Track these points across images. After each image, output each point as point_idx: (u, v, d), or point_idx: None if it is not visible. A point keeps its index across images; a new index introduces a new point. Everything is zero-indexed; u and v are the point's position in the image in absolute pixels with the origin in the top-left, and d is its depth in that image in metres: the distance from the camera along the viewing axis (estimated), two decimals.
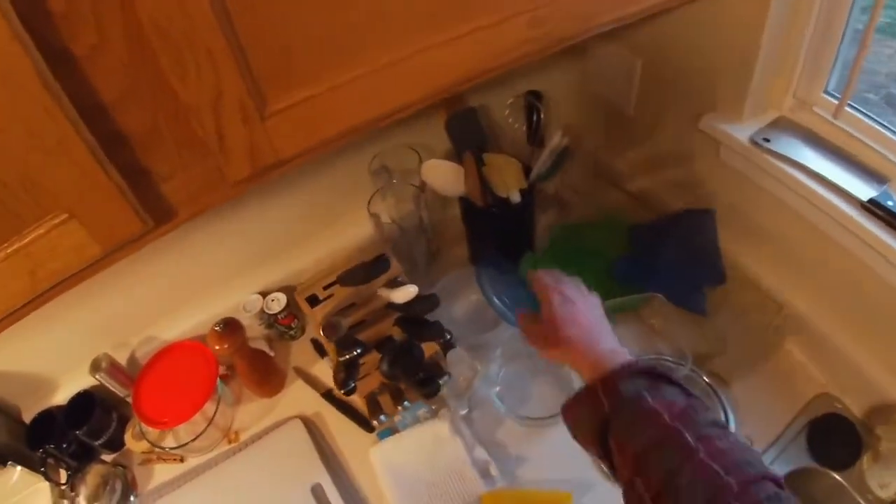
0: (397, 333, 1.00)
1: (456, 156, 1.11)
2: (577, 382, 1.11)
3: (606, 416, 0.68)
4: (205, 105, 0.58)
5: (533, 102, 1.14)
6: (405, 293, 0.92)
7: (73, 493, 1.14)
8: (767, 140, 0.98)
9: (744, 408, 1.05)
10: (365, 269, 0.94)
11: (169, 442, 1.18)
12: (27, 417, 1.20)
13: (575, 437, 0.75)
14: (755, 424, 1.03)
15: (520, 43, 0.73)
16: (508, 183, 1.10)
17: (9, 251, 0.59)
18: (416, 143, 1.16)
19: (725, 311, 1.15)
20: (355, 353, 0.91)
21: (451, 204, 1.25)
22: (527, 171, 1.12)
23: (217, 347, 1.06)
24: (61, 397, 1.20)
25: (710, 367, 1.10)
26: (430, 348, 1.03)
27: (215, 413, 1.12)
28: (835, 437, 1.01)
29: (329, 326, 0.92)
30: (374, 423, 0.97)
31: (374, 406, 1.01)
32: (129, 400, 1.18)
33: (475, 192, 1.07)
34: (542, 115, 1.15)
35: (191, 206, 0.70)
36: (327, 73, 0.64)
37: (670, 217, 1.20)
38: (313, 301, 1.00)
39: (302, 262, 1.22)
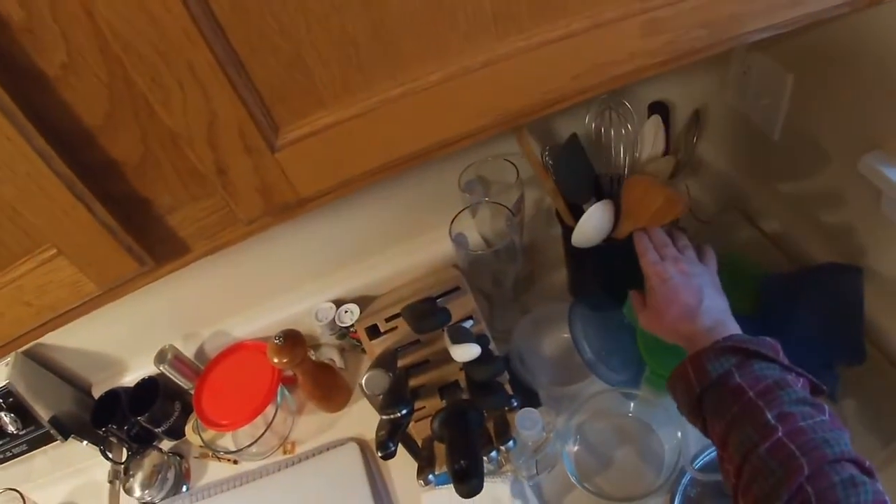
0: (464, 380, 0.88)
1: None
2: (668, 456, 0.95)
3: (699, 395, 0.67)
4: (196, 133, 0.48)
5: (662, 112, 0.96)
6: (464, 352, 0.79)
7: (128, 475, 1.15)
8: None
9: None
10: (422, 317, 0.82)
11: (226, 441, 1.15)
12: (96, 392, 1.22)
13: (679, 410, 0.73)
14: None
15: (629, 56, 0.56)
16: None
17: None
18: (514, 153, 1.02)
19: (858, 396, 0.93)
20: (399, 413, 0.80)
21: (554, 223, 1.10)
22: None
23: (276, 360, 1.00)
24: (131, 378, 1.21)
25: None
26: None
27: (273, 419, 1.08)
28: None
29: (370, 380, 0.81)
30: (421, 481, 0.86)
31: (428, 456, 0.90)
32: (193, 393, 1.15)
33: (642, 215, 0.90)
34: (668, 132, 0.96)
35: (205, 241, 0.62)
36: (358, 92, 0.52)
37: (810, 270, 0.99)
38: (373, 332, 0.90)
39: (381, 272, 1.13)
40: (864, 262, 0.92)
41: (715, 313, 0.75)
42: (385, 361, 0.84)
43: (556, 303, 1.08)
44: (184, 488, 1.15)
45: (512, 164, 1.01)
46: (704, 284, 0.79)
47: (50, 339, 1.13)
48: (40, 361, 1.17)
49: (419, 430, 0.93)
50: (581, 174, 0.94)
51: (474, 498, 0.92)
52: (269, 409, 1.08)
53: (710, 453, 0.93)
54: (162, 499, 1.13)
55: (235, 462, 1.14)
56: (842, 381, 0.92)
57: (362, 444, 1.08)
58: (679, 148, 1.01)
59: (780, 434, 0.58)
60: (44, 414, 1.13)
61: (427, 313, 0.82)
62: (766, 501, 0.55)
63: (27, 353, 1.14)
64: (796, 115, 0.95)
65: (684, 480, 0.93)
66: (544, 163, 0.96)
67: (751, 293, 1.03)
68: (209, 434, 1.16)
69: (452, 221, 0.96)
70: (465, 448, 0.80)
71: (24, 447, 1.17)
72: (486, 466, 0.95)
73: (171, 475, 1.13)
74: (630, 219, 0.91)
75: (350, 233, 1.09)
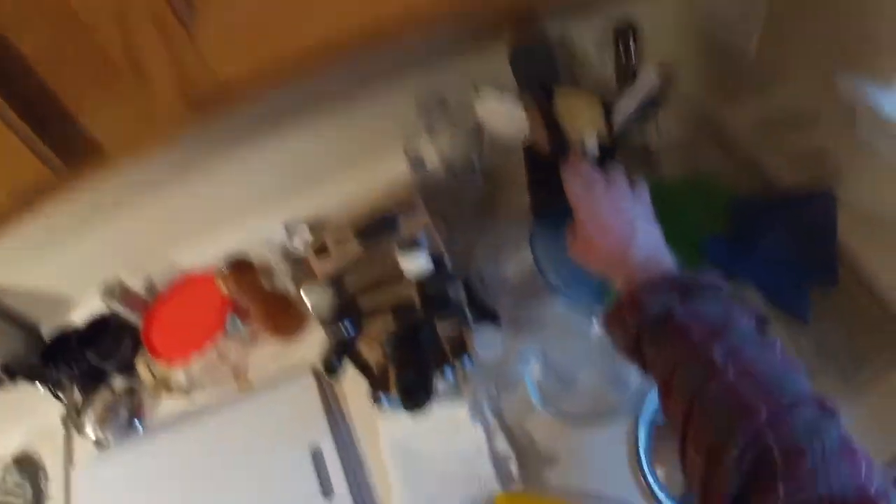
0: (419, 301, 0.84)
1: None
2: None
3: (636, 335, 0.62)
4: (105, 17, 0.43)
5: (625, 35, 0.90)
6: (414, 262, 0.74)
7: (81, 415, 1.11)
8: None
9: None
10: (368, 227, 0.77)
11: (178, 374, 1.12)
12: (46, 333, 1.18)
13: (618, 353, 0.69)
14: None
15: None
16: (583, 126, 0.88)
17: None
18: (482, 75, 0.96)
19: (828, 321, 0.90)
20: (344, 329, 0.76)
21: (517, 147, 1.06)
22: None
23: (224, 289, 0.96)
24: (81, 316, 1.17)
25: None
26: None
27: (224, 350, 1.05)
28: None
29: (309, 292, 0.76)
30: (374, 402, 0.83)
31: (382, 378, 0.86)
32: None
33: (540, 137, 0.87)
34: (634, 52, 0.91)
35: (124, 144, 0.57)
36: None
37: (781, 194, 0.96)
38: (322, 252, 0.85)
39: (336, 197, 1.07)
40: (837, 186, 0.89)
41: (649, 244, 0.70)
42: (334, 281, 0.80)
43: (518, 225, 1.03)
44: (137, 425, 1.12)
45: (473, 85, 0.95)
46: (637, 216, 0.73)
47: None
48: None
49: (372, 352, 0.89)
50: (542, 73, 0.89)
51: (434, 417, 0.91)
52: (220, 341, 1.04)
53: None
54: (115, 437, 1.10)
55: (188, 396, 1.11)
56: (813, 305, 0.89)
57: (319, 374, 1.04)
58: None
59: (730, 375, 0.53)
60: None
61: (373, 223, 0.77)
62: (718, 450, 0.50)
63: None
64: (772, 33, 0.91)
65: (649, 402, 0.91)
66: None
67: (721, 216, 1.00)
68: (161, 369, 1.13)
69: (407, 138, 0.91)
70: (413, 363, 0.76)
71: None
72: (445, 388, 0.93)
73: (123, 412, 1.10)
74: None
75: (302, 156, 1.04)
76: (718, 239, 0.98)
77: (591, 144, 0.86)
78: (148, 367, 1.12)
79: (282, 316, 1.07)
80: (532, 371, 0.95)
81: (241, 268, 0.95)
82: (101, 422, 1.09)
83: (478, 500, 0.86)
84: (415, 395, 0.74)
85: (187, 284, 1.10)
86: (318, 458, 0.96)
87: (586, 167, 0.77)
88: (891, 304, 0.85)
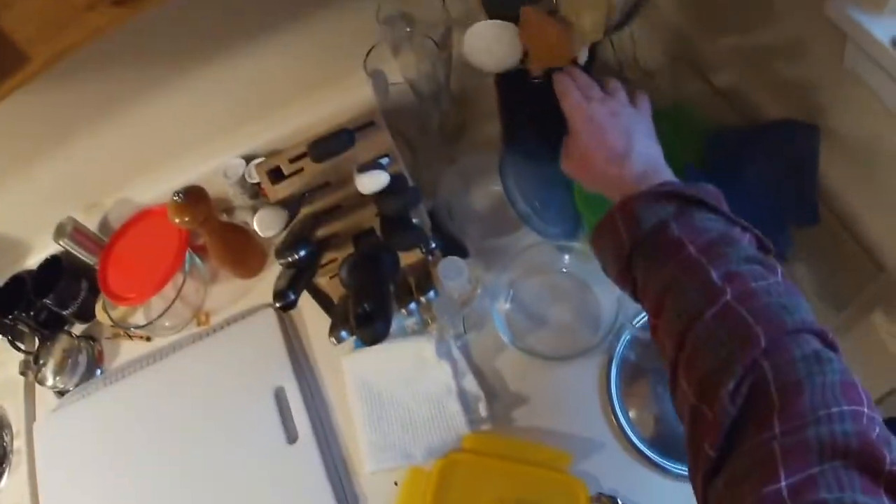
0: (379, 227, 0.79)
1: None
2: (606, 315, 0.88)
3: (628, 249, 0.59)
4: None
5: None
6: (372, 181, 0.69)
7: (40, 364, 1.07)
8: None
9: None
10: (323, 142, 0.72)
11: (138, 318, 1.08)
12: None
13: (605, 271, 0.66)
14: None
15: None
16: (585, 26, 0.82)
17: None
18: None
19: (809, 260, 0.87)
20: (297, 256, 0.71)
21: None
22: None
23: (177, 220, 0.90)
24: (34, 261, 1.11)
25: None
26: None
27: (182, 288, 0.99)
28: None
29: (262, 219, 0.70)
30: (332, 339, 0.78)
31: (343, 312, 0.81)
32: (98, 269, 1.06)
33: (544, 46, 0.80)
34: None
35: (45, 44, 0.54)
36: None
37: (761, 126, 0.91)
38: (277, 176, 0.80)
39: (294, 124, 1.03)
40: (820, 120, 0.83)
41: (647, 158, 0.66)
42: (289, 206, 0.75)
43: (488, 153, 0.98)
44: (97, 372, 1.08)
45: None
46: (635, 128, 0.69)
47: None
48: None
49: (334, 287, 0.85)
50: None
51: (399, 354, 0.88)
52: (178, 278, 0.99)
53: None
54: (76, 385, 1.06)
55: (148, 339, 1.07)
56: (793, 242, 0.86)
57: (280, 312, 1.00)
58: None
59: (728, 297, 0.49)
60: None
61: (327, 137, 0.72)
62: (713, 377, 0.47)
63: None
64: None
65: (622, 341, 0.87)
66: None
67: (699, 147, 0.94)
68: (119, 311, 1.08)
69: (367, 55, 0.85)
70: (370, 291, 0.71)
71: None
72: (410, 324, 0.89)
73: (82, 359, 1.06)
74: (533, 57, 0.81)
75: (257, 81, 0.98)
76: (695, 171, 0.93)
77: (583, 53, 0.79)
78: (106, 310, 1.08)
79: (241, 253, 1.01)
80: (501, 307, 0.91)
81: (194, 197, 0.89)
82: (61, 370, 1.04)
83: (446, 441, 0.84)
84: (372, 326, 0.69)
85: (142, 221, 1.04)
86: (281, 401, 0.92)
87: (584, 76, 0.73)
88: (872, 244, 0.81)
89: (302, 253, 0.71)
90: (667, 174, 0.64)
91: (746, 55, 0.95)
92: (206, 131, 1.03)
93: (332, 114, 0.99)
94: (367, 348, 0.89)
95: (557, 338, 0.89)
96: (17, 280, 1.10)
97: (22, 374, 1.10)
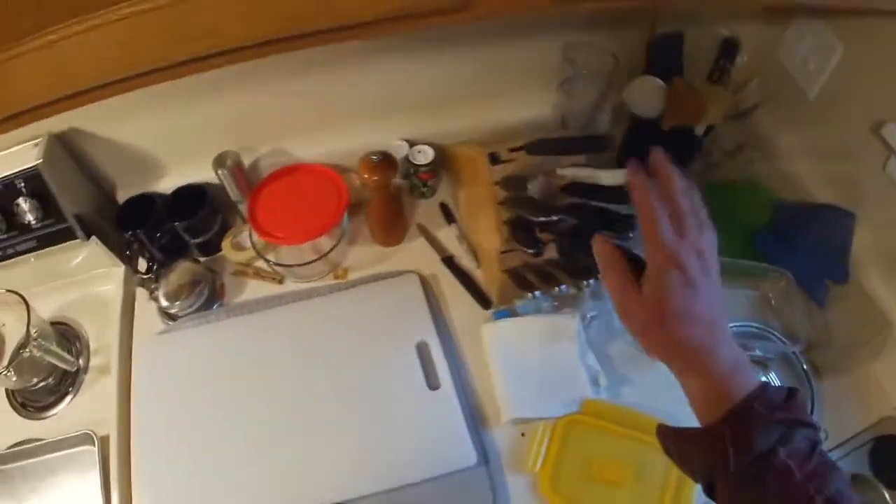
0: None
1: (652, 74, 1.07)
2: None
3: (726, 466, 0.54)
4: None
5: (730, 47, 1.10)
6: (615, 176, 0.85)
7: (154, 285, 1.09)
8: None
9: (825, 404, 1.07)
10: (570, 142, 0.89)
11: (269, 259, 1.13)
12: (122, 197, 1.15)
13: (671, 458, 0.62)
14: (831, 423, 1.02)
15: None
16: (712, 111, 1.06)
17: None
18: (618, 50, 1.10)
19: (838, 308, 1.14)
20: (553, 218, 0.86)
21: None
22: None
23: (365, 176, 1.02)
24: (166, 186, 1.15)
25: (809, 356, 1.10)
26: None
27: (335, 246, 1.08)
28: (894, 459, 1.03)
29: (542, 183, 0.86)
30: (517, 300, 0.93)
31: (521, 281, 0.97)
32: (241, 206, 1.13)
33: (680, 110, 1.03)
34: (734, 63, 1.11)
35: None
36: None
37: (814, 206, 1.17)
38: (494, 159, 0.96)
39: (456, 124, 1.17)
40: (858, 209, 1.09)
41: (732, 344, 0.59)
42: (512, 185, 0.91)
43: None
44: (215, 305, 1.12)
45: (614, 56, 1.08)
46: (720, 294, 0.59)
47: (89, 125, 1.06)
48: (71, 151, 1.09)
49: (505, 261, 1.00)
50: (671, 63, 1.06)
51: (539, 327, 1.04)
52: (328, 235, 1.08)
53: None
54: (195, 311, 1.09)
55: (280, 281, 1.13)
56: (829, 293, 1.12)
57: (422, 277, 1.12)
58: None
59: None
60: (69, 208, 1.05)
61: (582, 140, 0.90)
62: None
63: (60, 139, 1.06)
64: (835, 81, 1.10)
65: None
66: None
67: (765, 214, 1.21)
68: (247, 253, 1.14)
69: (562, 83, 1.04)
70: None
71: (34, 243, 1.08)
72: (545, 306, 1.06)
73: (206, 289, 1.10)
74: (670, 114, 1.05)
75: (444, 78, 1.12)
76: (765, 232, 1.20)
77: (700, 129, 1.03)
78: (236, 247, 1.14)
79: (393, 222, 1.14)
80: None
81: (387, 162, 1.02)
82: (178, 295, 1.08)
83: (570, 403, 0.99)
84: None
85: (296, 173, 1.11)
86: (422, 351, 1.03)
87: (681, 183, 0.60)
88: (882, 309, 1.06)
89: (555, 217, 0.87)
90: (750, 367, 0.59)
91: (809, 149, 1.21)
92: (375, 109, 1.14)
93: (491, 123, 1.17)
94: (510, 319, 1.05)
95: None
96: (146, 199, 1.13)
97: (140, 285, 1.12)
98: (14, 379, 1.04)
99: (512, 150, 0.95)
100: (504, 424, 0.99)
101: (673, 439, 0.61)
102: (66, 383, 1.11)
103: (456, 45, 1.08)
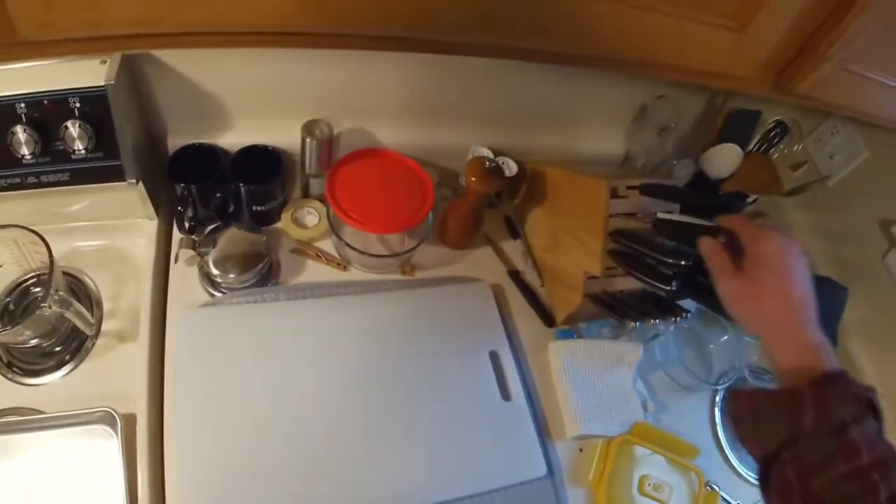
0: None
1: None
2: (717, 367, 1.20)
3: (801, 431, 0.57)
4: None
5: (781, 128, 1.24)
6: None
7: (204, 250, 0.97)
8: None
9: None
10: (680, 192, 0.97)
11: (325, 244, 1.08)
12: (172, 145, 1.03)
13: (736, 428, 0.65)
14: None
15: None
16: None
17: None
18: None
19: None
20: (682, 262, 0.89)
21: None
22: None
23: (473, 179, 1.00)
24: (227, 142, 1.04)
25: None
26: None
27: (419, 244, 1.05)
28: None
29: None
30: (629, 322, 0.96)
31: (622, 308, 1.01)
32: (314, 181, 1.06)
33: (743, 180, 1.14)
34: (781, 143, 1.23)
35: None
36: None
37: (814, 276, 1.33)
38: (613, 193, 0.99)
39: (536, 143, 1.19)
40: (852, 286, 1.15)
41: (818, 328, 0.65)
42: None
43: None
44: (270, 282, 1.02)
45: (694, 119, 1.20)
46: (811, 281, 0.67)
47: (169, 55, 0.93)
48: (139, 80, 0.95)
49: (595, 286, 1.03)
50: (743, 135, 1.18)
51: (601, 350, 1.09)
52: (410, 231, 1.04)
53: None
54: (250, 286, 0.99)
55: (345, 268, 1.06)
56: None
57: (495, 286, 1.12)
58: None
59: None
60: (127, 143, 0.90)
61: (705, 194, 0.96)
62: None
63: (130, 62, 0.91)
64: (856, 177, 1.25)
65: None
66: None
67: None
68: (308, 232, 1.06)
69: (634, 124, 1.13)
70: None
71: (66, 177, 0.90)
72: (605, 331, 1.12)
73: (268, 264, 1.00)
74: (737, 179, 1.17)
75: (522, 93, 1.13)
76: None
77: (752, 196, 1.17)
78: (298, 223, 1.05)
79: (471, 228, 1.12)
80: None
81: (495, 171, 1.00)
82: (231, 265, 0.96)
83: (625, 423, 1.05)
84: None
85: (380, 158, 1.06)
86: (495, 360, 1.03)
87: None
88: (861, 372, 1.23)
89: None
90: (831, 349, 0.63)
91: (819, 229, 1.37)
92: (464, 112, 1.13)
93: (567, 149, 1.21)
94: (576, 340, 1.09)
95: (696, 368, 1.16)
96: (204, 151, 1.01)
97: (183, 247, 0.97)
98: (20, 336, 0.87)
99: (629, 187, 0.99)
100: (567, 439, 1.03)
101: (749, 400, 0.64)
102: (69, 347, 0.94)
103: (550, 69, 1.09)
